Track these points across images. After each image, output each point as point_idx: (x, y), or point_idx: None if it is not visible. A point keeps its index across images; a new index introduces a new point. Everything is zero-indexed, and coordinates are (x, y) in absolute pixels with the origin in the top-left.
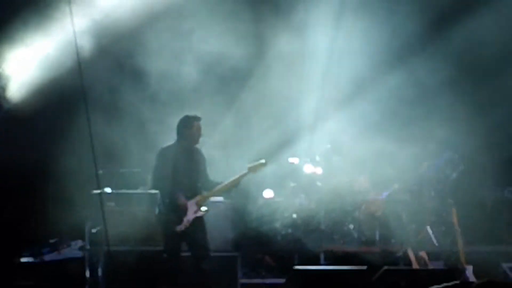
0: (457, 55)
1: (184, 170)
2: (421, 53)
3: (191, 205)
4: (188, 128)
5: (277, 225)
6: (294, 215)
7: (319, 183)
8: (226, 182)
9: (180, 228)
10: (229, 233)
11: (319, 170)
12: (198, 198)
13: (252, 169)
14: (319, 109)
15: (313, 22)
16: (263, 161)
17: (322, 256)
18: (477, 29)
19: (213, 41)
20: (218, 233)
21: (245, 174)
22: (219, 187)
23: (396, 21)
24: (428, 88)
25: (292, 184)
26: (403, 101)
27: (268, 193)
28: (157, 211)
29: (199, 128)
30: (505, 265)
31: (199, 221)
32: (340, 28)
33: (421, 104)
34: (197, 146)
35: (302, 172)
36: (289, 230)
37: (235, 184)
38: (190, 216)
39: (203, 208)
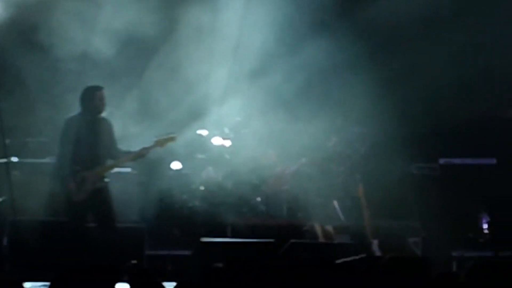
0: (369, 30)
1: (86, 141)
2: (334, 27)
3: (91, 176)
4: (90, 99)
5: (185, 197)
6: (202, 188)
7: (227, 156)
8: (131, 154)
9: (78, 198)
10: (136, 204)
11: (227, 143)
12: (99, 168)
13: (159, 143)
14: (230, 82)
15: None
16: (172, 135)
17: (229, 229)
18: (389, 5)
19: (122, 13)
20: (124, 204)
21: (151, 147)
22: (124, 158)
23: None
24: (339, 63)
25: (200, 156)
26: (314, 76)
27: (176, 165)
28: (59, 181)
29: (101, 98)
30: (411, 240)
31: (103, 192)
32: (251, 1)
33: (332, 79)
34: (102, 115)
35: (210, 144)
36: (196, 203)
37: (141, 155)
38: (89, 186)
39: (104, 179)
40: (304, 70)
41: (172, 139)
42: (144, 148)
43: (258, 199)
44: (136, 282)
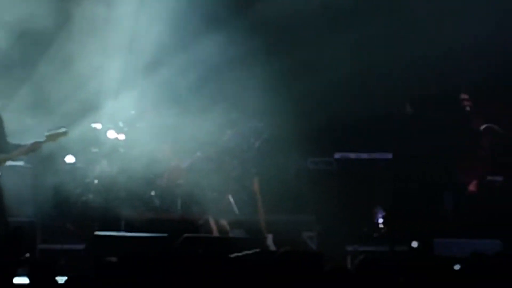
0: (266, 25)
1: None
2: (230, 21)
3: None
4: None
5: (78, 191)
6: (96, 181)
7: (121, 150)
8: (23, 148)
9: None
10: (29, 198)
11: (122, 137)
12: None
13: (50, 137)
14: (124, 76)
15: None
16: (63, 129)
17: (123, 223)
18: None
19: (16, 5)
20: (17, 198)
21: (43, 142)
22: (15, 152)
23: None
24: (234, 58)
25: (94, 150)
26: (209, 71)
27: (69, 159)
28: None
29: None
30: (305, 234)
31: None
32: None
33: (226, 74)
34: None
35: (105, 138)
36: (90, 196)
37: (32, 150)
38: None
39: None
40: (199, 64)
41: (63, 133)
42: (36, 143)
43: (153, 193)
44: (33, 276)
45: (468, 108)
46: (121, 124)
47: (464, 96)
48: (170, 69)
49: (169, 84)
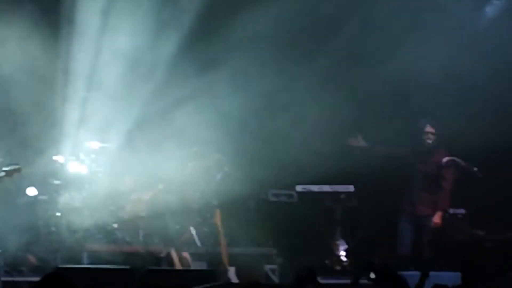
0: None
1: None
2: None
3: None
4: None
5: (40, 223)
6: (58, 214)
7: (83, 182)
8: None
9: None
10: None
11: (84, 169)
12: None
13: (8, 173)
14: (86, 107)
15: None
16: (17, 166)
17: (85, 255)
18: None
19: None
20: None
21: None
22: None
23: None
24: (197, 89)
25: (56, 182)
26: (171, 103)
27: (31, 191)
28: None
29: None
30: (267, 267)
31: None
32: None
33: (190, 105)
34: None
35: (66, 170)
36: (52, 229)
37: None
38: None
39: None
40: (161, 96)
41: (18, 169)
42: None
43: (115, 225)
44: None
45: (431, 141)
46: (82, 157)
47: (429, 129)
48: (133, 101)
49: (131, 116)
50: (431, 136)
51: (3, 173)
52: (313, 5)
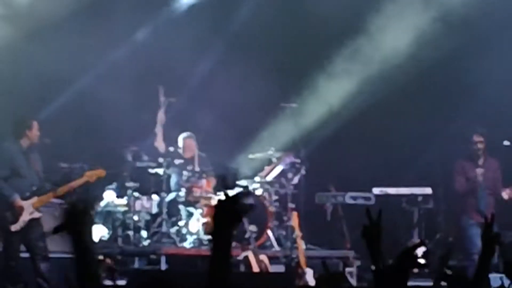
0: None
1: (22, 170)
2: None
3: (27, 206)
4: (29, 128)
5: (118, 227)
6: (136, 217)
7: (161, 185)
8: (63, 187)
9: (15, 227)
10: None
11: (160, 172)
12: (35, 199)
13: (89, 176)
14: (169, 112)
15: None
16: (102, 171)
17: (163, 259)
18: None
19: None
20: (57, 235)
21: (83, 181)
22: (57, 190)
23: None
24: (271, 91)
25: (134, 185)
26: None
27: (109, 195)
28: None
29: (37, 128)
30: (345, 269)
31: (37, 222)
32: None
33: (264, 109)
34: (35, 146)
35: (145, 174)
36: (131, 233)
37: (73, 188)
38: (25, 216)
39: (39, 211)
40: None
41: (101, 173)
42: (76, 182)
43: (192, 228)
44: None
45: (479, 150)
46: (160, 160)
47: (477, 138)
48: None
49: (209, 119)
50: (480, 145)
51: (85, 178)
52: None
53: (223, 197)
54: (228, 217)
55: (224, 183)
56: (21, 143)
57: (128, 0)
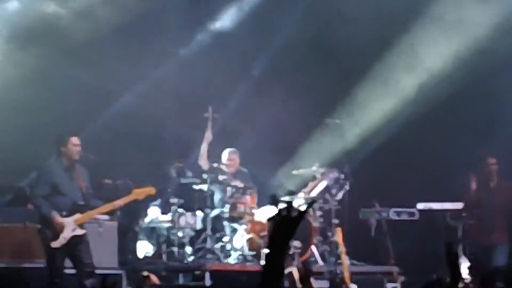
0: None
1: (63, 187)
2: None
3: (69, 223)
4: (63, 144)
5: (162, 243)
6: (180, 234)
7: (205, 202)
8: (109, 204)
9: (55, 244)
10: (114, 250)
11: (205, 188)
12: (77, 216)
13: (138, 194)
14: (214, 128)
15: None
16: (151, 188)
17: (207, 275)
18: None
19: None
20: (103, 251)
21: (131, 199)
22: (102, 207)
23: None
24: (310, 106)
25: (179, 202)
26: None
27: (153, 211)
28: (39, 227)
29: (75, 144)
30: (389, 285)
31: (81, 239)
32: None
33: (306, 126)
34: (77, 161)
35: (190, 190)
36: (175, 249)
37: (119, 206)
38: (67, 233)
39: (82, 227)
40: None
41: (150, 191)
42: (123, 200)
43: (236, 244)
44: None
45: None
46: (204, 176)
47: (490, 160)
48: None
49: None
50: (493, 167)
51: (134, 196)
52: None
53: (271, 212)
54: (284, 229)
55: (274, 200)
56: (62, 160)
57: (173, 17)
